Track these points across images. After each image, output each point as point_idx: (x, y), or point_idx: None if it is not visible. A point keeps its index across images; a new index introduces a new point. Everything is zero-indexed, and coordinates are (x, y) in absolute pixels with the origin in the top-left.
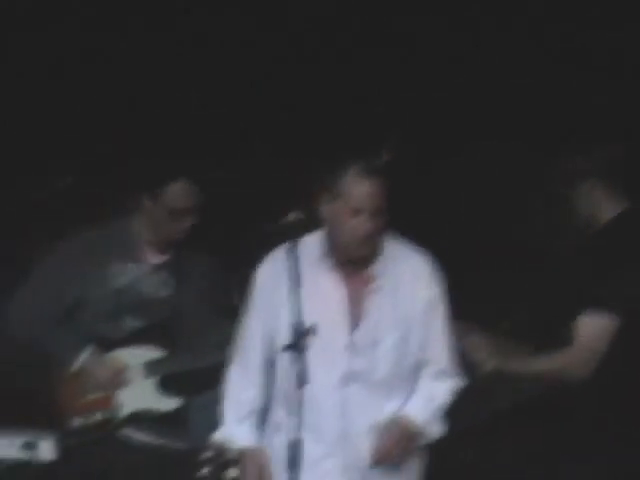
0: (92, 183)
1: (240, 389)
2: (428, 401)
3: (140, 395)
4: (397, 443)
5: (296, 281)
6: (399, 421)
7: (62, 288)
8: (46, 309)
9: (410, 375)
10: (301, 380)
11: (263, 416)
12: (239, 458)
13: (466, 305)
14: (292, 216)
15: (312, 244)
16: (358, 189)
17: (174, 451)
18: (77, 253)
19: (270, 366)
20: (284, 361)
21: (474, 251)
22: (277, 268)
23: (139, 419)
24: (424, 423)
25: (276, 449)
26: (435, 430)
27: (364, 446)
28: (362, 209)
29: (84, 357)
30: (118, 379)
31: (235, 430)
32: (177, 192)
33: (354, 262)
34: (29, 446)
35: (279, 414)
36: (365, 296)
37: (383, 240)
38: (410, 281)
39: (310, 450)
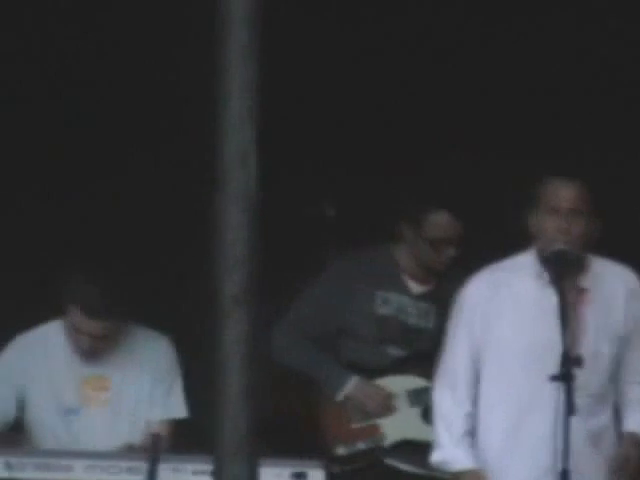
0: (354, 211)
1: (453, 411)
2: None
3: (405, 425)
4: (635, 461)
5: (562, 310)
6: (630, 442)
7: (328, 313)
8: (311, 334)
9: (615, 391)
10: (570, 410)
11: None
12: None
13: None
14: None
15: (527, 262)
16: (555, 191)
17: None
18: (344, 279)
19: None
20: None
21: None
22: (491, 283)
23: (404, 449)
24: None
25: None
26: None
27: (582, 459)
28: (558, 208)
29: (351, 385)
30: (387, 407)
31: (453, 452)
32: (438, 222)
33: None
34: (299, 476)
35: (492, 435)
36: (578, 309)
37: (589, 254)
38: (620, 295)
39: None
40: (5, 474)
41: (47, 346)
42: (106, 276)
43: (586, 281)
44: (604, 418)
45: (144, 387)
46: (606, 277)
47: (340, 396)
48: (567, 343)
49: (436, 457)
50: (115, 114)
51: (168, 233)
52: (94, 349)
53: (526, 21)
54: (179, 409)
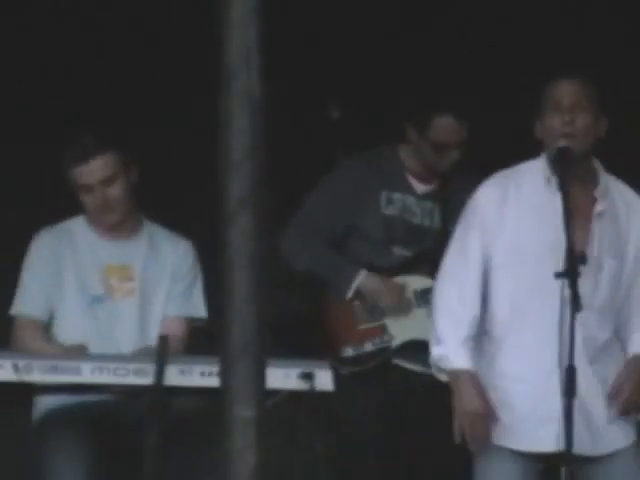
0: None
1: (460, 311)
2: None
3: (413, 325)
4: (631, 387)
5: (565, 207)
6: (630, 363)
7: (337, 212)
8: (320, 234)
9: (618, 307)
10: (576, 306)
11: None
12: (452, 379)
13: None
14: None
15: (536, 167)
16: (558, 88)
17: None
18: (350, 181)
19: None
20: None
21: None
22: (502, 189)
23: (412, 349)
24: None
25: (489, 378)
26: None
27: (584, 376)
28: (561, 104)
29: (361, 277)
30: (401, 299)
31: (456, 349)
32: (442, 125)
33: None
34: (307, 376)
35: (496, 339)
36: (588, 219)
37: (597, 163)
38: (626, 212)
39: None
40: (13, 377)
41: (72, 238)
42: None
43: (597, 192)
44: (604, 337)
45: (165, 283)
46: (616, 192)
47: (351, 292)
48: (571, 239)
49: (437, 351)
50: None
51: (178, 139)
52: (112, 211)
53: None
54: (198, 309)
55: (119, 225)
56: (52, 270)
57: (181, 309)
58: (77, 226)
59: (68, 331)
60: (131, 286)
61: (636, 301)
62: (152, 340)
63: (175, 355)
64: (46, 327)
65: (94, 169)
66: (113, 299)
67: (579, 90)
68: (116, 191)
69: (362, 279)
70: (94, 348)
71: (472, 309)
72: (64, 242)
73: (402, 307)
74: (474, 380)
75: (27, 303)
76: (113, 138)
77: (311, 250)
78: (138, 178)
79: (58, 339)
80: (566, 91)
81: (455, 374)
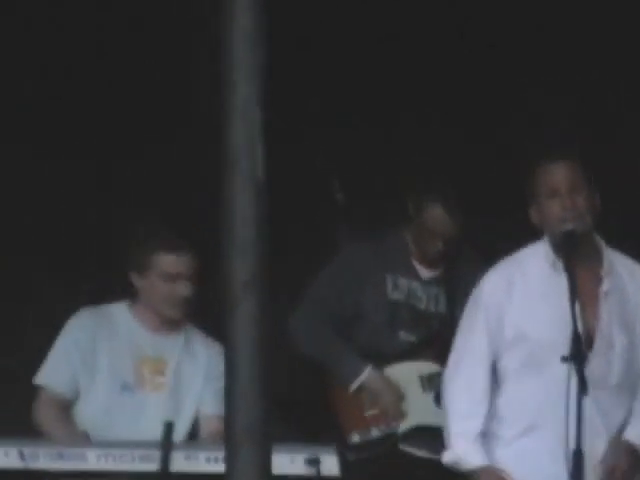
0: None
1: (468, 411)
2: None
3: (419, 410)
4: (623, 471)
5: (571, 291)
6: (624, 450)
7: (342, 298)
8: (326, 321)
9: (633, 385)
10: (583, 390)
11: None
12: (472, 476)
13: None
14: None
15: (539, 252)
16: (551, 174)
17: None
18: (356, 264)
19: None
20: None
21: None
22: (506, 278)
23: (419, 434)
24: None
25: (504, 463)
26: None
27: (597, 452)
28: (558, 189)
29: (365, 376)
30: (398, 400)
31: (466, 450)
32: (434, 216)
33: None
34: (313, 462)
35: (507, 427)
36: (595, 298)
37: (599, 239)
38: (632, 286)
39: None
40: (19, 464)
41: (111, 322)
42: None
43: (603, 270)
44: (622, 415)
45: (197, 382)
46: (621, 268)
47: (355, 386)
48: (576, 322)
49: (448, 457)
50: (124, 104)
51: (183, 220)
52: (175, 307)
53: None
54: None
55: (171, 322)
56: (86, 353)
57: (219, 408)
58: (119, 312)
59: (92, 413)
60: (161, 380)
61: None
62: (178, 436)
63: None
64: (68, 404)
65: (183, 261)
66: (143, 390)
67: (572, 172)
68: (188, 290)
69: (367, 376)
70: (116, 435)
71: (482, 410)
72: (103, 326)
73: (397, 412)
74: (493, 471)
75: (53, 376)
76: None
77: (319, 337)
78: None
79: (79, 418)
80: (561, 176)
81: (475, 472)
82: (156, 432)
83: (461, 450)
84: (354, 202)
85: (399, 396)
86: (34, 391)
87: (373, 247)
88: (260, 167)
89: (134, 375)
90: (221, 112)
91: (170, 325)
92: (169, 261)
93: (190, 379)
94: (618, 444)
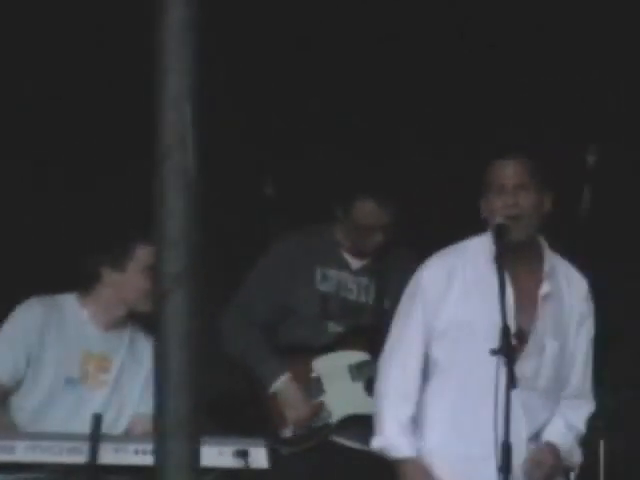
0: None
1: (402, 395)
2: (569, 429)
3: (349, 399)
4: (545, 472)
5: (500, 283)
6: (547, 449)
7: (273, 293)
8: (258, 318)
9: (559, 390)
10: (511, 383)
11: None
12: (397, 466)
13: None
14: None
15: (482, 245)
16: (499, 170)
17: (378, 456)
18: (286, 257)
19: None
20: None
21: None
22: (447, 268)
23: (350, 424)
24: (568, 451)
25: (431, 451)
26: (577, 458)
27: (521, 451)
28: (504, 185)
29: (278, 385)
30: (314, 413)
31: (395, 439)
32: (364, 209)
33: (521, 255)
34: (242, 454)
35: (435, 416)
36: (534, 299)
37: (543, 241)
38: (569, 292)
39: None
40: None
41: (60, 314)
42: None
43: (543, 273)
44: (544, 417)
45: (139, 382)
46: (561, 274)
47: (270, 391)
48: (505, 315)
49: (377, 443)
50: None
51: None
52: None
53: None
54: None
55: (120, 320)
56: (32, 343)
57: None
58: (68, 304)
59: (31, 405)
60: (105, 378)
61: (573, 388)
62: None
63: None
64: (6, 394)
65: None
66: (86, 385)
67: (521, 171)
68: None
69: (280, 385)
70: (54, 429)
71: (413, 396)
72: (52, 317)
73: (305, 421)
74: (417, 466)
75: None
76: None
77: (243, 337)
78: None
79: (15, 408)
80: (508, 173)
81: (398, 463)
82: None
83: (391, 436)
84: (286, 198)
85: (314, 409)
86: None
87: (303, 241)
88: (191, 160)
89: (79, 370)
90: (154, 106)
91: (118, 323)
92: (150, 253)
93: (132, 378)
94: (540, 444)
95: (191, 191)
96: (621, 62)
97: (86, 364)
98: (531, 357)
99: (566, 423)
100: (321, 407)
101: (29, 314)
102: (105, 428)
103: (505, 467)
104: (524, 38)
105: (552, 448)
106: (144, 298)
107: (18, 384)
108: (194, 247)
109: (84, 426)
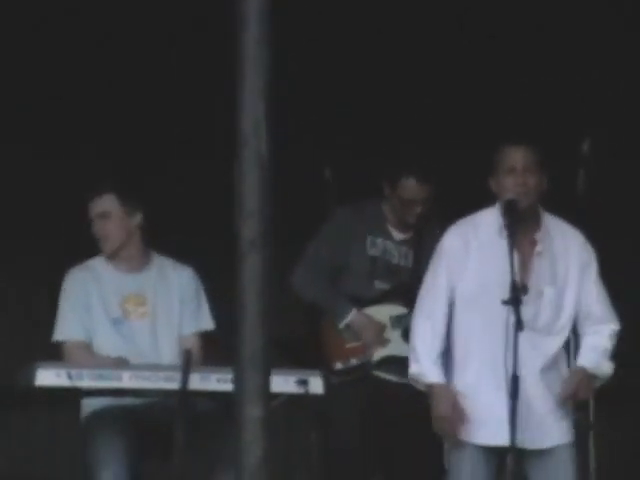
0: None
1: (430, 337)
2: (592, 350)
3: (389, 344)
4: (578, 389)
5: (510, 250)
6: (576, 372)
7: (333, 253)
8: (322, 273)
9: (566, 324)
10: (519, 326)
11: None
12: (430, 390)
13: None
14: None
15: (491, 216)
16: (511, 154)
17: (412, 388)
18: (344, 225)
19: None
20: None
21: None
22: (463, 236)
23: (388, 363)
24: (595, 367)
25: (460, 387)
26: (606, 369)
27: (532, 384)
28: (515, 167)
29: (350, 317)
30: (379, 337)
31: (429, 367)
32: (407, 186)
33: (524, 223)
34: (302, 382)
35: (460, 356)
36: (531, 257)
37: (543, 209)
38: (564, 247)
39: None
40: (68, 383)
41: (95, 273)
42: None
43: (538, 235)
44: (551, 351)
45: (174, 306)
46: (556, 233)
47: (343, 324)
48: (514, 276)
49: (414, 369)
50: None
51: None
52: (106, 242)
53: None
54: (206, 322)
55: (128, 259)
56: (84, 302)
57: (194, 326)
58: (99, 264)
59: (103, 346)
60: (143, 310)
61: (592, 318)
62: (162, 353)
63: (196, 365)
64: (89, 345)
65: (96, 205)
66: (129, 320)
67: (529, 156)
68: (110, 226)
69: (352, 317)
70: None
71: (441, 336)
72: (90, 277)
73: (378, 341)
74: (447, 390)
75: (70, 329)
76: (114, 185)
77: (315, 286)
78: (143, 222)
79: (98, 352)
80: (519, 157)
81: (431, 387)
82: (147, 354)
83: (425, 365)
84: (342, 182)
85: (380, 328)
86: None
87: (356, 213)
88: (264, 147)
89: (121, 310)
90: (235, 103)
91: (139, 264)
92: (91, 207)
93: (167, 304)
94: (574, 372)
95: (264, 172)
96: (620, 62)
97: (125, 304)
98: (529, 304)
99: (588, 346)
100: (384, 327)
101: (73, 281)
102: (152, 350)
103: (514, 394)
104: (528, 34)
105: (577, 369)
106: (102, 242)
107: (90, 336)
108: (267, 218)
109: (141, 354)
